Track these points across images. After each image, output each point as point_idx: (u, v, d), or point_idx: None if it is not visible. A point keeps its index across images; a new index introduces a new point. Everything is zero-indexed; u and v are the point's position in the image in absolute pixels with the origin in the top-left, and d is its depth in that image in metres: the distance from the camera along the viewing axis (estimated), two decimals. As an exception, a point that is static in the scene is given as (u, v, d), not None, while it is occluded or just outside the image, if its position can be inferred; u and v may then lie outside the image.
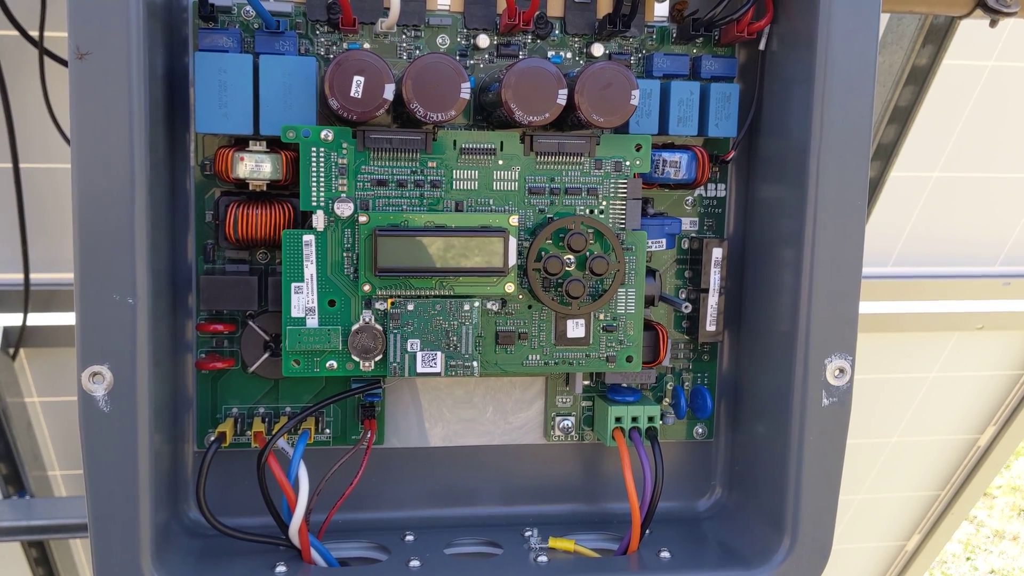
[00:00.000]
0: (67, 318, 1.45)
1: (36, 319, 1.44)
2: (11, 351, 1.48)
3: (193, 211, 0.71)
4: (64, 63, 1.15)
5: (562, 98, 0.65)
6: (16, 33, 1.12)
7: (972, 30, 1.34)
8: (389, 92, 0.63)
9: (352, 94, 0.62)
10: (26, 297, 1.39)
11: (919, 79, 1.34)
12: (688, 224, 0.77)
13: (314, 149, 0.65)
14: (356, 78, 0.62)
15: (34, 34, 1.14)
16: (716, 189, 0.78)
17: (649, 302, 0.73)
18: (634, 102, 0.66)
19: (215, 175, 0.68)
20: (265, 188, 0.67)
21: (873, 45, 0.69)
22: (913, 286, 1.66)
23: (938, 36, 1.29)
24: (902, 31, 1.27)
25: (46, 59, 1.14)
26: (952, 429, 1.99)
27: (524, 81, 0.64)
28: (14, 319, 1.43)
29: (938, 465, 2.05)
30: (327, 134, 0.65)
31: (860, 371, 1.89)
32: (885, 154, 1.43)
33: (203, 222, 0.71)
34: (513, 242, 0.66)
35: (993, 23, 1.08)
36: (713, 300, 0.75)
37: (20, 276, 1.38)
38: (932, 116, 1.44)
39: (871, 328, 1.71)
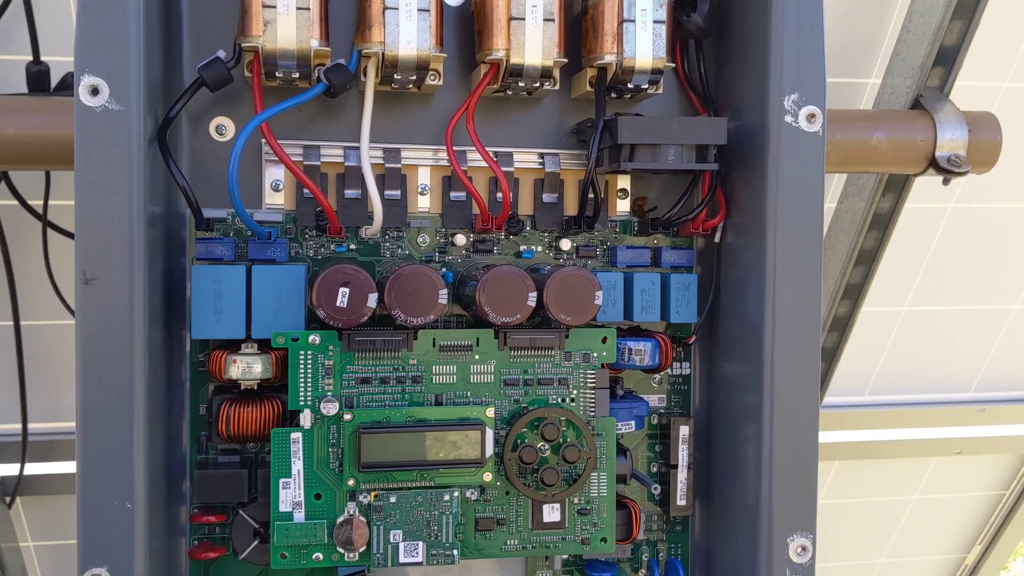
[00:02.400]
0: (63, 467, 1.47)
1: (33, 468, 1.47)
2: (7, 499, 1.51)
3: (188, 403, 0.75)
4: (65, 233, 1.21)
5: (532, 300, 0.70)
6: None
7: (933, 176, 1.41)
8: (372, 300, 0.68)
9: (338, 304, 0.67)
10: (23, 449, 1.42)
11: (882, 224, 1.40)
12: (656, 400, 0.82)
13: (302, 352, 0.69)
14: (342, 290, 0.67)
15: (38, 203, 1.20)
16: (681, 367, 0.82)
17: (621, 480, 0.77)
18: (598, 302, 0.71)
19: (209, 374, 0.73)
20: (256, 387, 0.72)
21: (818, 236, 0.74)
22: (890, 415, 1.70)
23: (898, 186, 1.36)
24: (862, 184, 1.34)
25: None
26: (939, 549, 2.00)
27: (496, 287, 0.69)
28: (11, 469, 1.46)
29: (928, 586, 2.05)
30: (314, 338, 0.69)
31: (843, 496, 1.91)
32: (854, 294, 1.49)
33: (197, 414, 0.75)
34: (490, 433, 0.70)
35: (946, 182, 1.15)
36: (682, 475, 0.79)
37: (18, 427, 1.41)
38: (898, 256, 1.50)
39: (852, 455, 1.74)
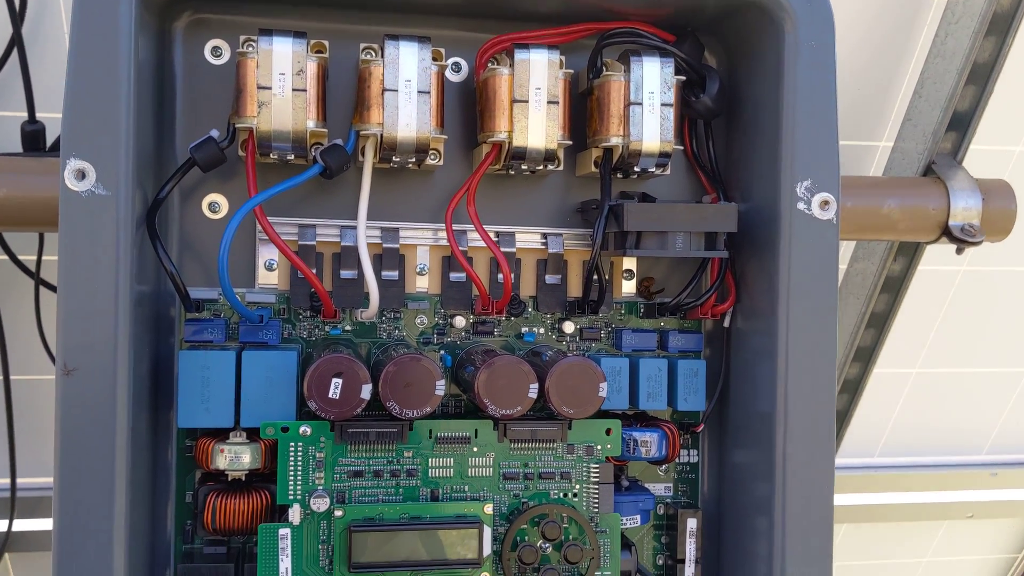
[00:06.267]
0: (50, 523, 1.44)
1: (21, 524, 1.44)
2: (-5, 556, 1.47)
3: (174, 489, 0.72)
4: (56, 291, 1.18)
5: (533, 392, 0.67)
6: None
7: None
8: (366, 392, 0.65)
9: (330, 395, 0.65)
10: (12, 504, 1.39)
11: (894, 288, 1.37)
12: (663, 490, 0.79)
13: (292, 444, 0.67)
14: (334, 381, 0.65)
15: (31, 258, 1.18)
16: (689, 455, 0.79)
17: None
18: (602, 394, 0.68)
19: (196, 463, 0.70)
20: (244, 477, 0.69)
21: (832, 323, 0.72)
22: (901, 478, 1.66)
23: (910, 249, 1.33)
24: (873, 247, 1.31)
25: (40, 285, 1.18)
26: (951, 613, 1.95)
27: (496, 378, 0.67)
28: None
29: (938, 650, 2.00)
30: (305, 429, 0.67)
31: (853, 558, 1.87)
32: (865, 356, 1.46)
33: (183, 501, 0.72)
34: (488, 531, 0.67)
35: (959, 251, 1.12)
36: (690, 571, 0.76)
37: (6, 481, 1.38)
38: (909, 317, 1.48)
39: (861, 518, 1.71)
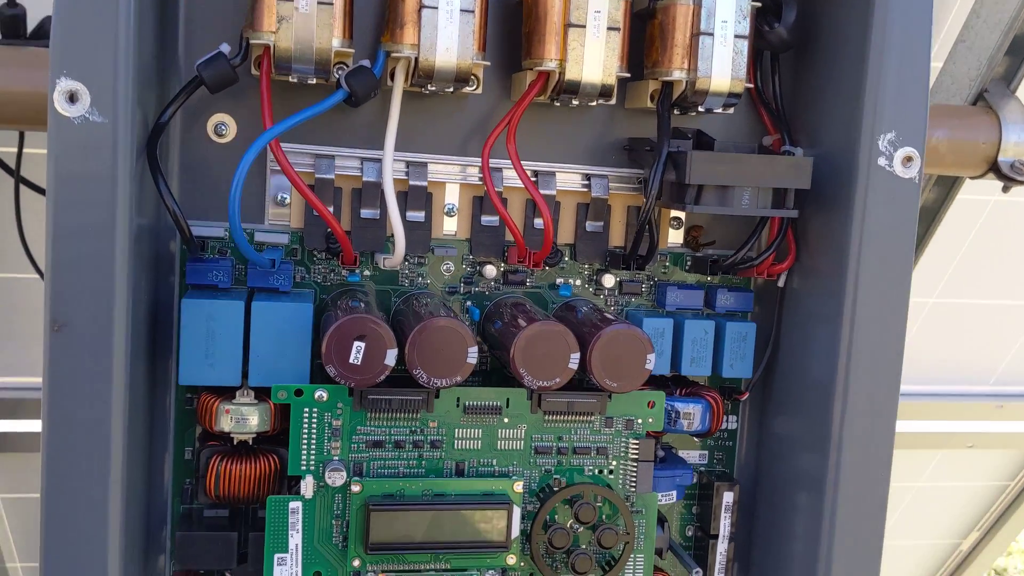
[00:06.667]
0: (29, 425, 1.39)
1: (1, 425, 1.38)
2: (-27, 455, 1.42)
3: (172, 444, 0.66)
4: (38, 190, 1.09)
5: (574, 363, 0.60)
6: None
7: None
8: (391, 358, 0.58)
9: (351, 360, 0.57)
10: (-10, 405, 1.33)
11: (927, 218, 1.31)
12: (697, 457, 0.73)
13: (306, 410, 0.60)
14: (356, 344, 0.57)
15: (11, 151, 1.08)
16: (727, 421, 0.74)
17: (657, 553, 0.69)
18: (649, 366, 0.61)
19: (197, 420, 0.64)
20: (251, 440, 0.62)
21: (906, 289, 0.66)
22: (907, 406, 1.63)
23: (947, 179, 1.26)
24: (910, 177, 1.24)
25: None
26: (935, 535, 1.96)
27: (535, 346, 0.60)
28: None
29: (919, 570, 2.03)
30: (321, 394, 0.60)
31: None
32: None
33: (182, 458, 0.66)
34: (517, 512, 0.62)
35: (1006, 188, 1.05)
36: (723, 547, 0.71)
37: (-14, 381, 1.32)
38: (933, 247, 1.42)
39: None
